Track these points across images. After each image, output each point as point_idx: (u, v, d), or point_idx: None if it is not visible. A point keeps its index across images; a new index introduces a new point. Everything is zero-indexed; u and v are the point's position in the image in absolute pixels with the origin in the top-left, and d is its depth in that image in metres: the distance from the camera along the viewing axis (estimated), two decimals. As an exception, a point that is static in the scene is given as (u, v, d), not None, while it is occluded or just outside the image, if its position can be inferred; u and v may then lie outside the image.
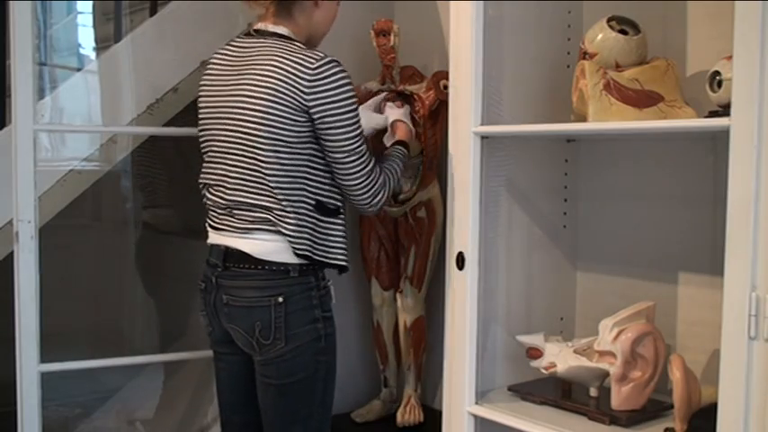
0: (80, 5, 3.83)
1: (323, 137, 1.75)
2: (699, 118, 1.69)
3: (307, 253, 1.76)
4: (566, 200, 2.11)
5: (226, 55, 1.87)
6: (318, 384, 1.81)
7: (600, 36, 1.78)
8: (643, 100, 1.72)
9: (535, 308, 2.07)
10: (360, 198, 1.81)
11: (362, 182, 1.79)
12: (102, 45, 3.39)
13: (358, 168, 1.78)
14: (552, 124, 1.87)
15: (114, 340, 3.06)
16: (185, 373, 2.79)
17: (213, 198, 1.85)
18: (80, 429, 2.97)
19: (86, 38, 3.95)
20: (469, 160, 1.83)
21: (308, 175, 1.77)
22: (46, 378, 2.16)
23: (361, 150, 1.78)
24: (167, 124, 2.56)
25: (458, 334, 1.86)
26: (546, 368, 1.83)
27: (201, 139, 1.88)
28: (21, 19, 2.10)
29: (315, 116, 1.72)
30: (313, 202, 1.78)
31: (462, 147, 1.85)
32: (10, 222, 2.20)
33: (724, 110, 1.50)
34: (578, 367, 1.81)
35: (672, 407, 1.64)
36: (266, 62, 1.75)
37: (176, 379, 2.85)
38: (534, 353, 1.86)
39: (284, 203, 1.75)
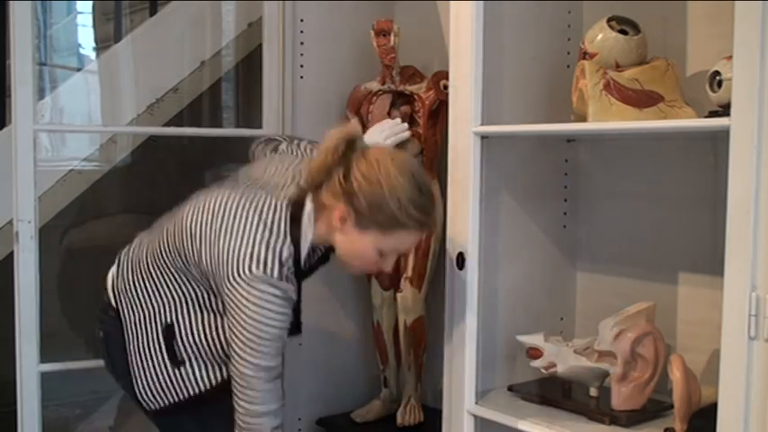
0: (80, 5, 3.83)
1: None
2: (699, 118, 1.68)
3: None
4: (566, 200, 2.11)
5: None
6: None
7: (600, 36, 1.78)
8: (643, 100, 1.72)
9: (535, 308, 2.07)
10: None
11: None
12: (102, 45, 3.39)
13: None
14: (552, 124, 1.87)
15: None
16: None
17: None
18: (80, 429, 2.97)
19: (86, 38, 3.95)
20: (469, 160, 1.83)
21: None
22: (46, 378, 2.16)
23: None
24: (167, 124, 2.56)
25: (458, 334, 1.86)
26: (546, 368, 1.83)
27: None
28: (21, 19, 2.10)
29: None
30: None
31: (462, 147, 1.85)
32: (10, 222, 2.21)
33: (724, 110, 1.50)
34: (578, 367, 1.81)
35: (672, 407, 1.64)
36: (246, 220, 1.64)
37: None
38: (534, 353, 1.85)
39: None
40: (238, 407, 1.65)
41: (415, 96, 2.25)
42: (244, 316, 1.60)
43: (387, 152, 1.68)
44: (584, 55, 1.79)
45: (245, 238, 1.61)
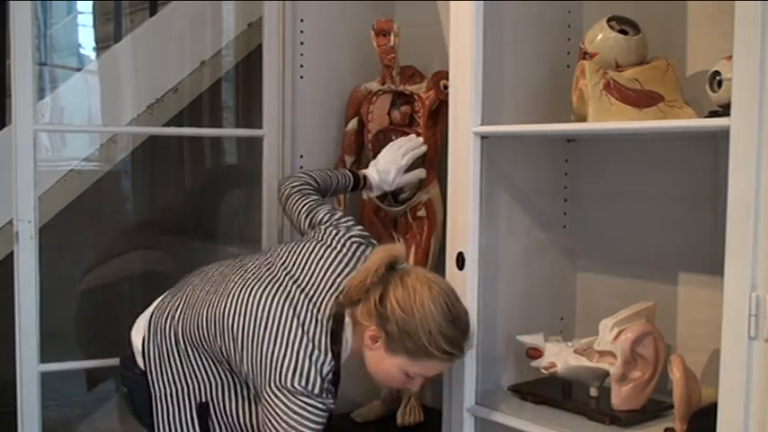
0: (80, 5, 3.83)
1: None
2: (699, 118, 1.68)
3: None
4: (566, 200, 2.11)
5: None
6: None
7: (600, 36, 1.78)
8: (643, 100, 1.72)
9: (535, 308, 2.07)
10: None
11: None
12: (102, 45, 3.39)
13: None
14: (552, 124, 1.87)
15: (114, 340, 3.06)
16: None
17: None
18: (80, 429, 2.97)
19: (86, 38, 3.95)
20: (469, 160, 1.82)
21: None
22: (46, 378, 2.16)
23: None
24: (167, 124, 2.56)
25: (458, 334, 1.86)
26: (546, 368, 1.83)
27: None
28: (21, 19, 2.10)
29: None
30: None
31: (462, 147, 1.85)
32: (10, 222, 2.20)
33: (724, 110, 1.50)
34: (578, 367, 1.81)
35: (672, 407, 1.64)
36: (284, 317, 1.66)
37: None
38: (534, 353, 1.86)
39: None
40: None
41: (415, 96, 2.25)
42: (281, 426, 1.61)
43: (426, 279, 1.68)
44: (585, 55, 1.79)
45: (290, 350, 1.62)
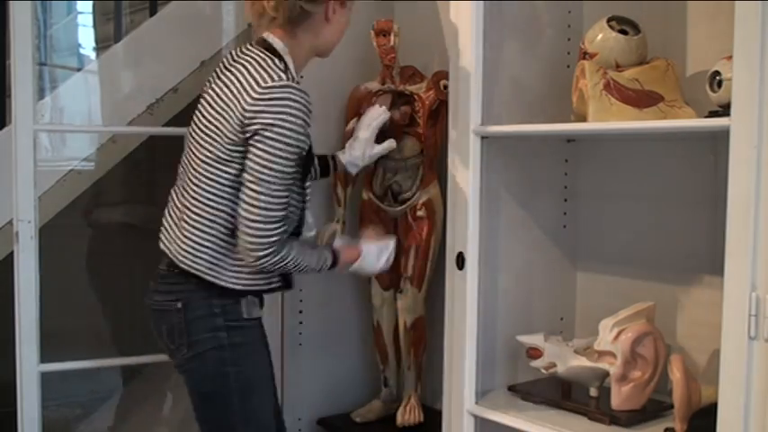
0: (80, 5, 3.83)
1: (247, 156, 1.67)
2: (699, 118, 1.68)
3: (197, 271, 1.73)
4: (566, 200, 2.11)
5: (224, 60, 1.84)
6: (233, 397, 1.75)
7: (600, 36, 1.78)
8: (643, 100, 1.72)
9: (535, 308, 2.07)
10: (244, 238, 1.67)
11: (255, 221, 1.65)
12: (102, 45, 3.39)
13: (258, 203, 1.65)
14: (552, 124, 1.87)
15: (115, 340, 3.06)
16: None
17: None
18: (80, 429, 2.97)
19: (86, 38, 3.95)
20: (469, 160, 1.83)
21: (232, 198, 1.70)
22: (46, 378, 2.16)
23: (273, 189, 1.65)
24: (167, 124, 2.55)
25: (458, 334, 1.86)
26: (546, 368, 1.83)
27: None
28: (21, 19, 2.10)
29: (248, 135, 1.66)
30: (231, 227, 1.72)
31: (462, 147, 1.85)
32: (10, 222, 2.21)
33: (724, 110, 1.50)
34: (578, 367, 1.81)
35: (672, 407, 1.64)
36: (234, 75, 1.72)
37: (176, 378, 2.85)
38: (534, 353, 1.86)
39: (197, 214, 1.73)
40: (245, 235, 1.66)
41: (415, 96, 2.25)
42: (267, 127, 1.63)
43: None
44: (585, 55, 1.80)
45: (246, 73, 1.69)
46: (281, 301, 2.41)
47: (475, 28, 1.80)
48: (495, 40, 1.88)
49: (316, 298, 2.48)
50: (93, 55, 3.63)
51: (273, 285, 1.81)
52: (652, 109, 1.72)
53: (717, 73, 1.55)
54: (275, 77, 1.67)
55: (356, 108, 2.36)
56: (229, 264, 1.74)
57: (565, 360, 1.82)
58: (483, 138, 1.84)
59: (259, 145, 1.64)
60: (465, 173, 1.84)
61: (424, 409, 2.35)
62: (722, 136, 1.38)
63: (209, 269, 1.73)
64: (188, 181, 1.76)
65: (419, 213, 2.28)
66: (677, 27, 1.87)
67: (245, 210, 1.66)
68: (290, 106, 1.64)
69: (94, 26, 3.62)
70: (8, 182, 2.12)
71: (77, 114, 2.89)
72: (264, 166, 1.64)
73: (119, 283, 2.96)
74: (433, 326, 2.29)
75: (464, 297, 1.83)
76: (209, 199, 1.72)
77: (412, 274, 2.28)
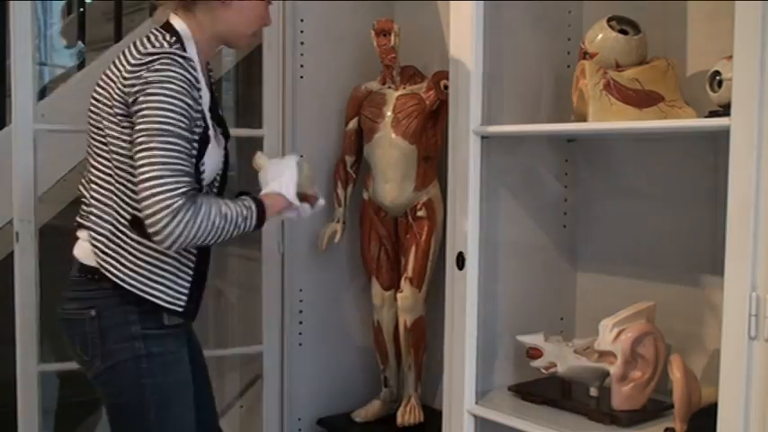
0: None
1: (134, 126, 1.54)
2: (699, 118, 1.68)
3: (109, 273, 1.60)
4: (566, 200, 2.11)
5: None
6: (149, 411, 1.63)
7: (600, 36, 1.78)
8: (643, 100, 1.72)
9: (535, 308, 2.07)
10: (144, 213, 1.49)
11: (157, 177, 1.48)
12: (102, 45, 3.40)
13: (155, 159, 1.49)
14: (552, 124, 1.87)
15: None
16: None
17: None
18: (80, 429, 2.97)
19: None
20: (469, 160, 1.83)
21: (125, 182, 1.59)
22: (46, 378, 2.16)
23: (169, 143, 1.50)
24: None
25: (458, 334, 1.86)
26: (546, 368, 1.83)
27: None
28: (21, 19, 2.10)
29: (131, 101, 1.54)
30: (128, 217, 1.60)
31: (462, 147, 1.85)
32: (10, 222, 2.20)
33: (724, 110, 1.50)
34: (578, 367, 1.81)
35: (672, 407, 1.64)
36: (122, 52, 1.62)
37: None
38: (534, 353, 1.85)
39: (98, 208, 1.63)
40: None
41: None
42: (147, 85, 1.52)
43: None
44: (585, 55, 1.80)
45: (130, 46, 1.61)
46: (282, 301, 2.41)
47: (475, 28, 1.80)
48: (495, 40, 1.88)
49: (316, 298, 2.49)
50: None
51: (184, 288, 1.66)
52: (652, 109, 1.72)
53: (717, 73, 1.55)
54: (157, 45, 1.57)
55: (356, 108, 2.36)
56: (138, 262, 1.61)
57: (565, 360, 1.82)
58: (483, 138, 1.84)
59: (143, 105, 1.52)
60: (465, 173, 1.83)
61: (424, 409, 2.35)
62: (722, 136, 1.38)
63: (118, 270, 1.61)
64: (88, 183, 1.67)
65: (419, 213, 2.27)
66: (677, 27, 1.87)
67: (144, 172, 1.49)
68: (170, 67, 1.53)
69: (82, 27, 3.61)
70: (8, 182, 2.12)
71: (77, 114, 2.89)
72: (153, 122, 1.50)
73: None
74: (433, 326, 2.29)
75: (464, 297, 1.83)
76: (105, 196, 1.62)
77: (412, 274, 2.28)
